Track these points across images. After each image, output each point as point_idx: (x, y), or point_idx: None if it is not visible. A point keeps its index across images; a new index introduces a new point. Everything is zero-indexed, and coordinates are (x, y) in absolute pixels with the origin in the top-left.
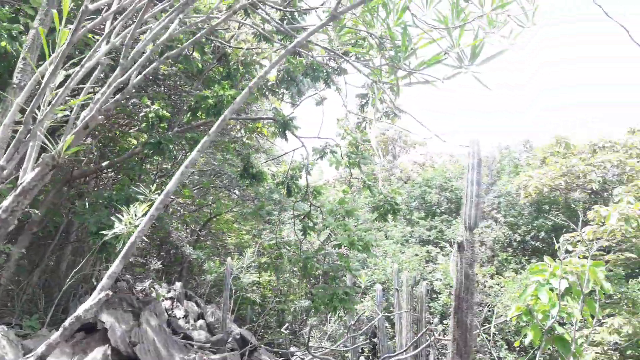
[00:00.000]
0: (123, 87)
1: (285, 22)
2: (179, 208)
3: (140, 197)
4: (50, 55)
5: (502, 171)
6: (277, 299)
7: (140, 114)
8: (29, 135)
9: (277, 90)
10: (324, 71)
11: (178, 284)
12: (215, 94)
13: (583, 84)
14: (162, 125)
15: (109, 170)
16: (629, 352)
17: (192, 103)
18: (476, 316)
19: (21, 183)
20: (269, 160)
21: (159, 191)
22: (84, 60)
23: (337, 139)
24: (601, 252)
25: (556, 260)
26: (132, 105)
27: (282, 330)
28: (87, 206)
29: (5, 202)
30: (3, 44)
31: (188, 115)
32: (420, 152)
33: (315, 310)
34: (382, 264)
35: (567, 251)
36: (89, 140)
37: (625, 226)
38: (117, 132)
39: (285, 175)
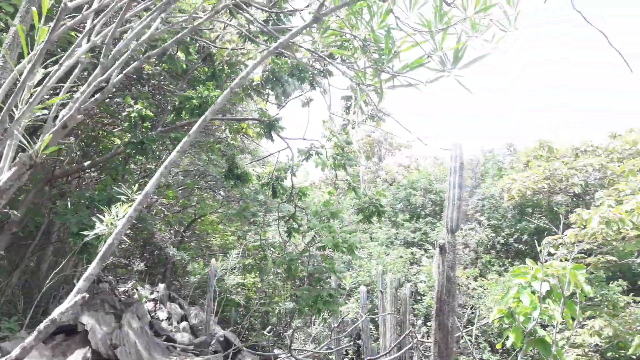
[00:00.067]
0: (104, 86)
1: (270, 23)
2: (162, 209)
3: (122, 197)
4: (29, 53)
5: (486, 174)
6: (262, 301)
7: (123, 114)
8: (5, 134)
9: (262, 90)
10: (310, 73)
11: (161, 286)
12: (199, 95)
13: (566, 85)
14: (145, 124)
15: (92, 169)
16: (609, 354)
17: (177, 103)
18: (459, 318)
19: None
20: (254, 161)
21: (140, 191)
22: (63, 58)
23: (323, 140)
24: (582, 255)
25: (538, 263)
26: (116, 104)
27: (266, 332)
28: (68, 206)
29: None
30: None
31: (172, 115)
32: (406, 155)
33: (300, 312)
34: (366, 266)
35: (549, 254)
36: (71, 139)
37: (607, 229)
38: (100, 132)
39: (270, 176)
